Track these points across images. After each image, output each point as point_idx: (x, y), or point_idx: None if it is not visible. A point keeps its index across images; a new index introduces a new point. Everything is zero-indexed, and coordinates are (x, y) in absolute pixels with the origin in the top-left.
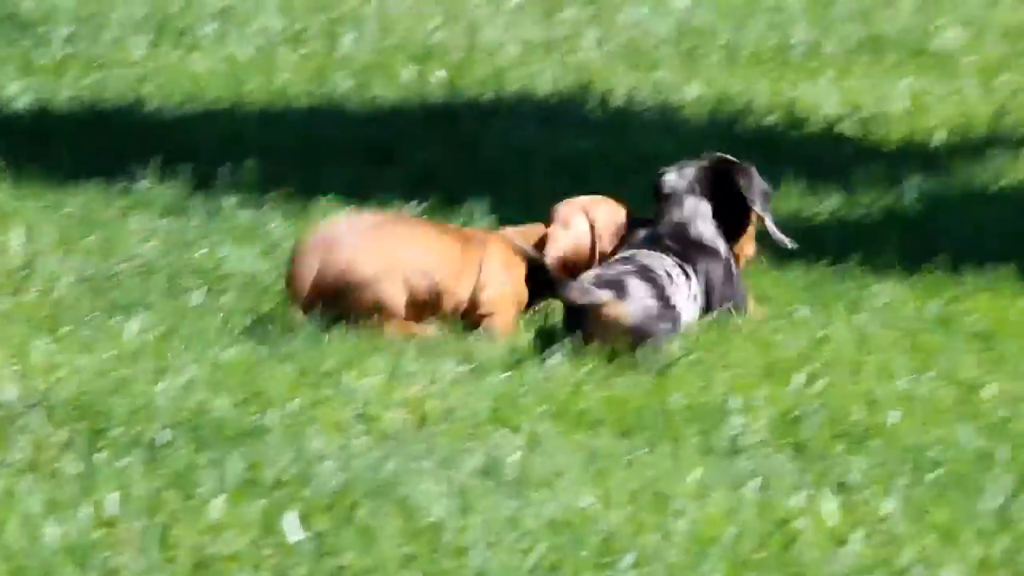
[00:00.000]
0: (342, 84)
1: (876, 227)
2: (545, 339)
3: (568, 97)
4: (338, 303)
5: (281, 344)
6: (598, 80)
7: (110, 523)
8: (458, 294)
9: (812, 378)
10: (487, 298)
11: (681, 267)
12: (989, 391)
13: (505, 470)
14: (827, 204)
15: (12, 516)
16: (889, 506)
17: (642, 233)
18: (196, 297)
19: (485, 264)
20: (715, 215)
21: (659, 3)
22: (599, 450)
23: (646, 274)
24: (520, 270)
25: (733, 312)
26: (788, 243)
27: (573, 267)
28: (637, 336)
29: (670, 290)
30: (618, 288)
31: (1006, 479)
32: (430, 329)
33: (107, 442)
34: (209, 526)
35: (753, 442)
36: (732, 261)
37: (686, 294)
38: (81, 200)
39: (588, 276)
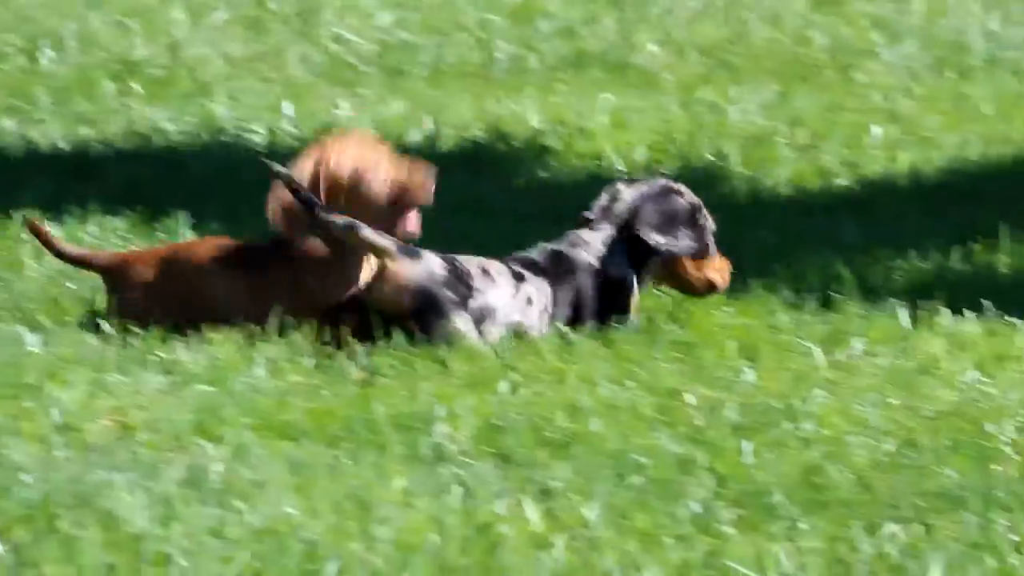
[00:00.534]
0: (43, 100)
1: None
2: (251, 350)
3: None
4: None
5: None
6: (305, 96)
7: None
8: None
9: (516, 387)
10: None
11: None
12: (688, 399)
13: (209, 480)
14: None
15: None
16: (591, 512)
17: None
18: None
19: None
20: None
21: (363, 20)
22: (303, 460)
23: (448, 258)
24: None
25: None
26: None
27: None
28: (418, 300)
29: (479, 283)
30: (412, 253)
31: (706, 484)
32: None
33: None
34: None
35: (457, 450)
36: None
37: (511, 294)
38: None
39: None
